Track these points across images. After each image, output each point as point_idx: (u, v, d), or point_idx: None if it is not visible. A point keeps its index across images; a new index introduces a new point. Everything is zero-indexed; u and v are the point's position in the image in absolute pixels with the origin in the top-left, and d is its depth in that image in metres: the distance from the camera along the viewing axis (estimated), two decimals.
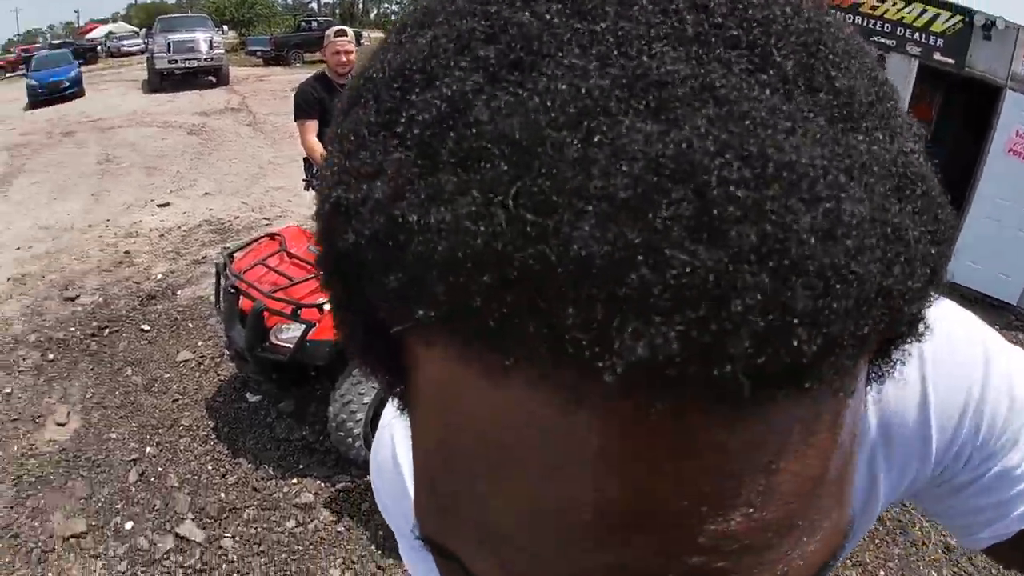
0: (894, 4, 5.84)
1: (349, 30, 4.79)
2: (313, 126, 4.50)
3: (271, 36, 32.23)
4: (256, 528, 3.31)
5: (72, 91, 19.73)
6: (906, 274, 0.21)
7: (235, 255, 3.83)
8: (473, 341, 0.21)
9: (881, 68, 0.26)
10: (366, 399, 3.22)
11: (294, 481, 3.55)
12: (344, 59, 4.52)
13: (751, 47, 0.22)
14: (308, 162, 4.72)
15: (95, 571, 3.17)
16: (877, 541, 3.24)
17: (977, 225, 5.68)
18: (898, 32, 5.88)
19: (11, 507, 3.57)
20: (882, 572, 3.09)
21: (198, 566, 3.13)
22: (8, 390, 4.52)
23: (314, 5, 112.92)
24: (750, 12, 0.22)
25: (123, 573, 3.13)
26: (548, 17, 0.22)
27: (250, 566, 3.12)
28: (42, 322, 5.42)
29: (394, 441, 0.67)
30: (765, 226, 0.18)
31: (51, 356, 4.90)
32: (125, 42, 43.88)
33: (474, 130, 0.20)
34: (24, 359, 4.89)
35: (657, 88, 0.20)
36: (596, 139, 0.19)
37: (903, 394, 0.54)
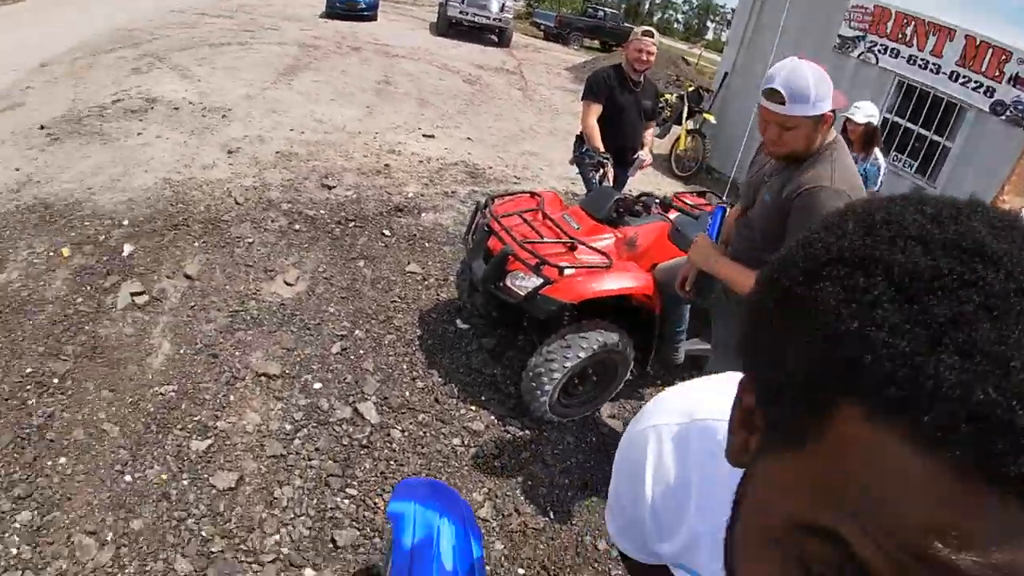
0: None
1: (655, 32, 5.00)
2: (596, 109, 4.81)
3: (558, 14, 32.97)
4: (425, 432, 3.64)
5: (366, 14, 21.14)
6: None
7: (496, 200, 4.18)
8: (923, 434, 0.36)
9: None
10: (568, 363, 3.44)
11: (472, 408, 3.84)
12: (645, 58, 4.76)
13: None
14: (580, 139, 5.02)
15: (272, 409, 3.62)
16: None
17: None
18: None
19: (220, 332, 4.16)
20: None
21: (364, 442, 3.50)
22: (251, 240, 5.21)
23: None
24: None
25: (296, 421, 3.55)
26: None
27: (408, 460, 3.44)
28: (297, 196, 6.12)
29: (671, 450, 0.81)
30: None
31: (297, 227, 5.55)
32: None
33: (975, 333, 0.36)
34: (273, 221, 5.58)
35: None
36: None
37: None
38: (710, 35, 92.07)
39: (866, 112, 4.81)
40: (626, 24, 29.91)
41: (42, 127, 7.12)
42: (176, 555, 2.79)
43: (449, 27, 20.43)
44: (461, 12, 20.05)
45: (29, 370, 3.67)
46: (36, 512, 2.91)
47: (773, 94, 2.25)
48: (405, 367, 4.10)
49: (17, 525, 2.84)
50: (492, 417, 3.81)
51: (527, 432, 3.75)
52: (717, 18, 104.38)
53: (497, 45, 20.23)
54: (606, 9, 32.29)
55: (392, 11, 25.99)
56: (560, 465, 3.59)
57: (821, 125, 2.30)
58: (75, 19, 15.50)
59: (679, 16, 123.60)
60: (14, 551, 2.76)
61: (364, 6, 21.09)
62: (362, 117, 9.31)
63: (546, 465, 3.57)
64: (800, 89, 2.21)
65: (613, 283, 3.45)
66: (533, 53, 20.83)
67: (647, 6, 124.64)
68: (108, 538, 2.83)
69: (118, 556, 2.76)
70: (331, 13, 20.64)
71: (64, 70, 9.93)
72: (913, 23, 7.37)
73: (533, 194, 4.29)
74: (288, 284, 4.76)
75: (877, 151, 4.91)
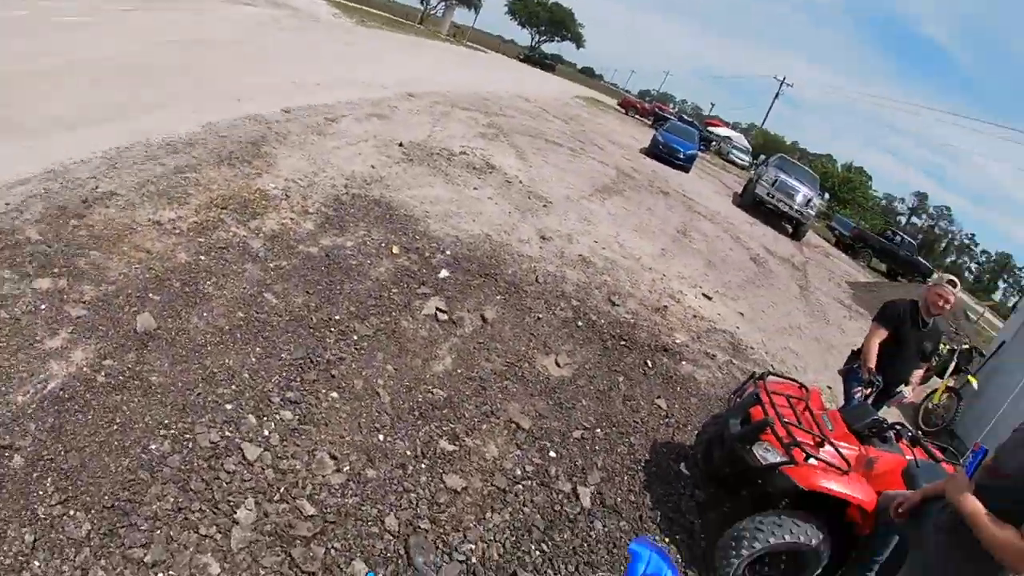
0: None
1: (958, 283, 5.26)
2: (881, 334, 5.16)
3: (856, 225, 32.85)
4: (621, 536, 4.02)
5: (683, 164, 22.94)
6: None
7: (770, 377, 4.64)
8: None
9: None
10: (772, 539, 3.75)
11: (666, 539, 4.18)
12: (942, 303, 5.05)
13: None
14: (856, 355, 5.36)
15: (510, 453, 4.20)
16: None
17: None
18: None
19: (495, 373, 4.85)
20: None
21: (571, 516, 3.94)
22: (540, 316, 6.03)
23: (902, 219, 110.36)
24: None
25: (526, 471, 4.09)
26: None
27: (598, 551, 3.84)
28: (586, 299, 7.01)
29: None
30: None
31: (579, 323, 6.33)
32: (736, 152, 48.44)
33: None
34: (562, 309, 6.38)
35: None
36: None
37: None
38: (999, 295, 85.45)
39: None
40: (918, 256, 28.98)
41: (400, 144, 8.65)
42: (392, 513, 3.47)
43: (752, 203, 21.13)
44: (768, 194, 20.70)
45: (337, 317, 4.72)
46: (296, 417, 3.78)
47: None
48: (626, 478, 4.59)
49: (279, 417, 3.73)
50: (678, 556, 4.12)
51: None
52: (1011, 279, 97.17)
53: (790, 236, 20.49)
54: (904, 236, 31.52)
55: (703, 170, 27.32)
56: None
57: None
58: (442, 68, 18.05)
59: (973, 265, 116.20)
60: (266, 433, 3.60)
61: (683, 156, 22.66)
62: (656, 256, 10.14)
63: None
64: None
65: (844, 487, 3.71)
66: (821, 256, 20.86)
67: (943, 245, 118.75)
68: (345, 468, 3.60)
69: (346, 486, 3.51)
70: (653, 152, 22.41)
71: (425, 108, 11.77)
72: None
73: (803, 386, 4.68)
74: (558, 365, 5.50)
75: None
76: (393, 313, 5.12)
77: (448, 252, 6.33)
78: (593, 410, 5.14)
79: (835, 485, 3.74)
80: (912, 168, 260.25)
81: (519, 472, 4.15)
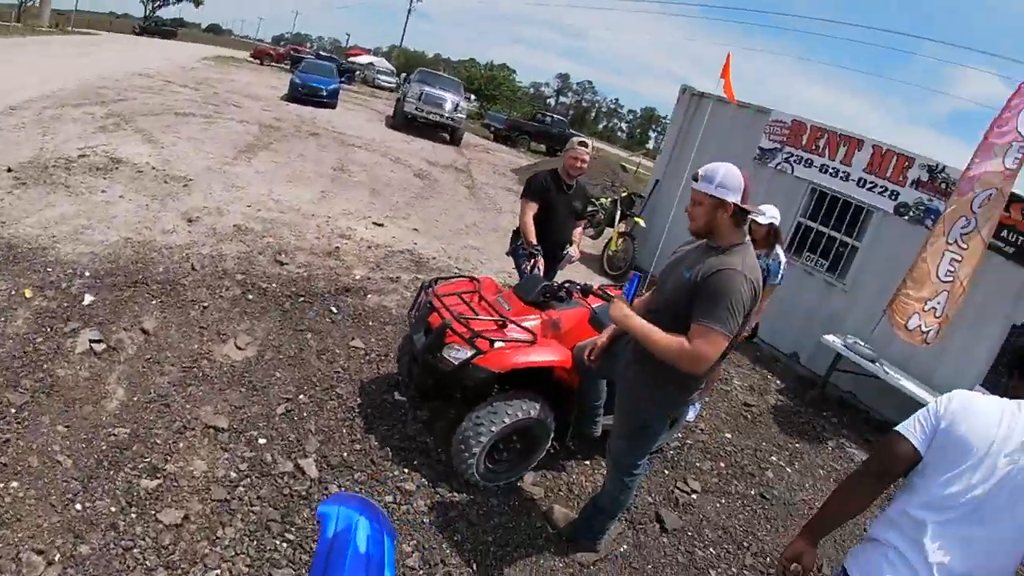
0: None
1: (590, 143, 5.62)
2: (533, 207, 5.38)
3: (508, 117, 34.63)
4: (360, 488, 3.94)
5: (327, 101, 22.27)
6: None
7: (439, 281, 4.67)
8: None
9: None
10: (494, 428, 3.86)
11: (405, 470, 4.17)
12: (579, 165, 5.38)
13: None
14: (517, 234, 5.56)
15: (219, 459, 3.91)
16: None
17: None
18: None
19: (173, 385, 4.48)
20: None
21: (303, 493, 3.80)
22: (206, 304, 5.58)
23: (551, 101, 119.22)
24: None
25: (241, 471, 3.83)
26: None
27: None
28: (251, 268, 6.51)
29: None
30: None
31: (250, 296, 5.92)
32: (382, 76, 48.20)
33: None
34: (227, 289, 5.95)
35: None
36: None
37: None
38: (652, 144, 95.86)
39: (769, 215, 5.39)
40: (571, 131, 31.32)
41: (9, 170, 7.42)
42: None
43: (404, 122, 21.29)
44: (417, 108, 21.00)
45: None
46: None
47: (695, 176, 2.97)
48: (344, 431, 4.43)
49: None
50: (423, 479, 4.14)
51: (455, 495, 4.09)
52: (659, 128, 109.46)
53: (449, 143, 21.09)
54: (554, 116, 33.72)
55: (351, 101, 26.92)
56: (484, 524, 3.93)
57: (721, 210, 2.91)
58: (42, 65, 15.86)
59: (623, 125, 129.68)
60: None
61: (326, 93, 22.00)
62: (316, 200, 9.79)
63: (471, 524, 3.90)
64: (710, 172, 2.93)
65: (536, 356, 3.91)
66: (482, 153, 21.75)
67: (593, 114, 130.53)
68: (55, 558, 3.06)
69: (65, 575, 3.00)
70: (293, 96, 21.50)
71: (32, 117, 10.24)
72: (826, 135, 8.34)
73: (472, 279, 4.80)
74: (239, 348, 5.09)
75: (778, 248, 5.46)
76: (45, 366, 4.33)
77: (87, 274, 5.50)
78: (290, 378, 4.86)
79: (526, 357, 3.89)
80: (553, 54, 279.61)
81: (234, 474, 3.79)
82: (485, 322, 4.08)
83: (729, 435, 5.85)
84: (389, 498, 3.93)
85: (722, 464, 5.34)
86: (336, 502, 2.11)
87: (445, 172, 15.22)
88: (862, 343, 7.00)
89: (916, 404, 6.22)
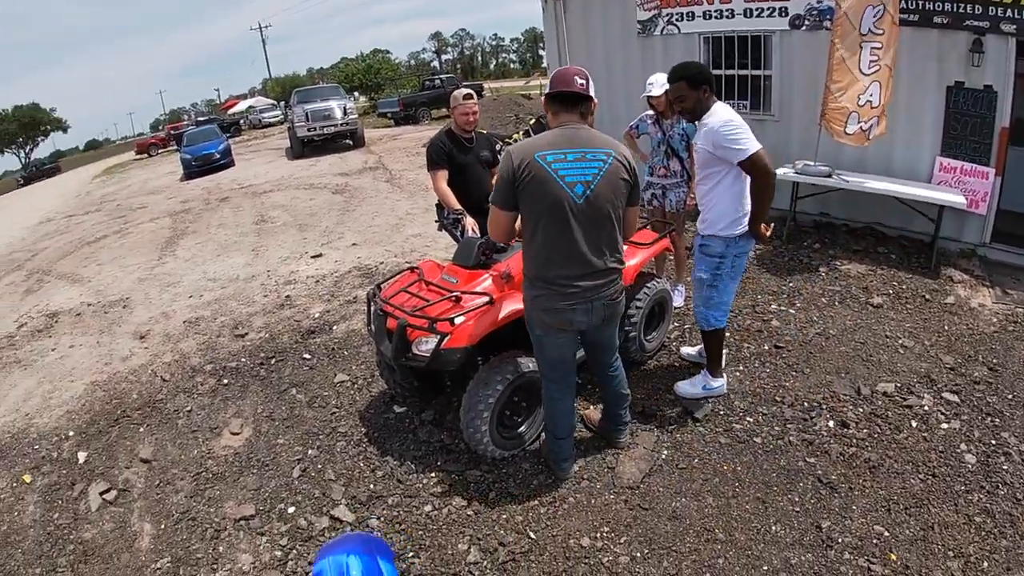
0: None
1: (474, 93, 5.51)
2: (443, 175, 5.27)
3: (399, 98, 34.03)
4: (398, 511, 3.94)
5: (223, 162, 21.79)
6: None
7: (382, 286, 4.62)
8: None
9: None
10: (491, 399, 3.85)
11: (432, 474, 4.18)
12: (471, 118, 5.28)
13: None
14: (440, 207, 5.46)
15: (260, 545, 3.90)
16: (983, 533, 3.23)
17: None
18: (990, 12, 6.08)
19: (190, 496, 4.44)
20: (986, 564, 3.04)
21: None
22: (189, 408, 5.50)
23: (436, 63, 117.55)
24: None
25: (284, 546, 3.82)
26: None
27: (391, 540, 3.72)
28: (216, 355, 6.43)
29: None
30: None
31: (225, 381, 5.86)
32: (265, 114, 47.35)
33: None
34: (202, 384, 5.88)
35: None
36: None
37: None
38: (544, 63, 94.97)
39: (659, 83, 5.35)
40: (465, 83, 30.98)
41: None
42: None
43: (303, 147, 20.96)
44: (309, 129, 20.68)
45: None
46: None
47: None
48: (363, 464, 4.42)
49: None
50: (452, 476, 4.14)
51: (488, 475, 4.10)
52: (544, 44, 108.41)
53: (353, 148, 20.78)
54: (442, 76, 33.22)
55: (245, 151, 26.48)
56: (526, 491, 3.95)
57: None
58: None
59: (513, 56, 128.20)
60: None
61: (218, 155, 21.63)
62: (251, 261, 9.68)
63: (513, 496, 3.92)
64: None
65: (500, 313, 3.87)
66: (390, 142, 21.49)
67: (479, 58, 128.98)
68: None
69: None
70: (190, 173, 21.13)
71: None
72: None
73: (412, 268, 4.72)
74: (234, 434, 5.04)
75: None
76: (71, 536, 4.16)
77: (71, 433, 5.40)
78: (293, 440, 4.83)
79: (492, 319, 3.86)
80: (418, 18, 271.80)
81: (279, 553, 3.77)
82: (439, 305, 4.03)
83: None
84: (428, 508, 3.93)
85: (727, 334, 5.30)
86: (325, 554, 2.09)
87: (361, 177, 15.04)
88: (812, 163, 6.97)
89: (886, 200, 6.25)
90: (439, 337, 3.77)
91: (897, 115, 6.57)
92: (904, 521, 3.36)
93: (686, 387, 4.55)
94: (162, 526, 4.22)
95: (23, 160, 74.36)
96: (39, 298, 9.73)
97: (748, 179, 3.84)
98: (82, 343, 7.49)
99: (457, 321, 3.80)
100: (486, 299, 3.91)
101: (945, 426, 3.95)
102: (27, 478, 4.99)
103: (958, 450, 3.77)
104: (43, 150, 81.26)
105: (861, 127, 6.27)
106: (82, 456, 5.10)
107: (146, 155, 44.25)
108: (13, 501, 4.75)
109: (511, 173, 3.17)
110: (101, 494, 4.62)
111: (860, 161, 7.05)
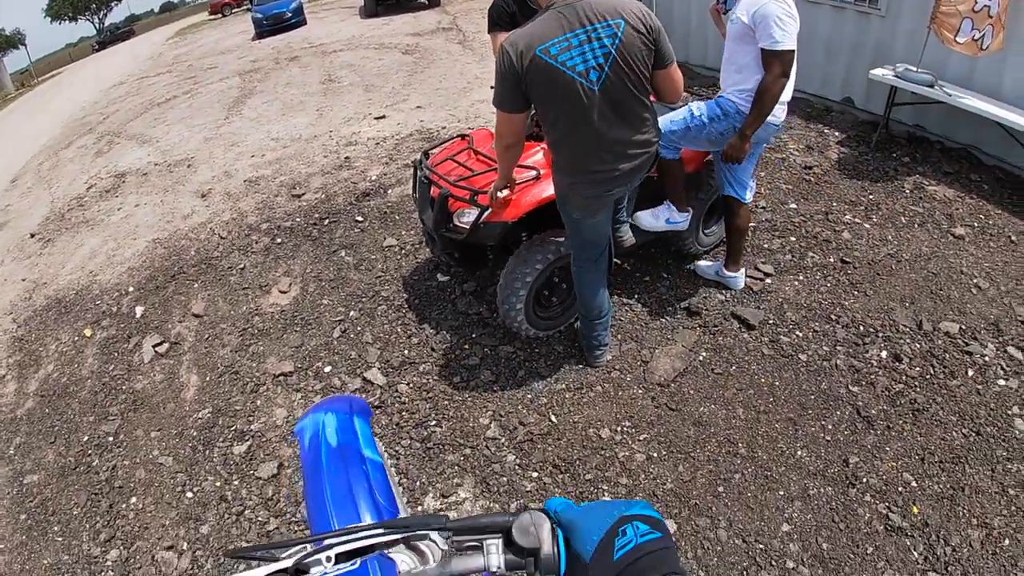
0: None
1: None
2: (504, 37, 4.92)
3: None
4: (427, 379, 3.99)
5: (294, 21, 21.27)
6: None
7: (430, 152, 4.43)
8: None
9: None
10: (529, 278, 3.72)
11: (466, 347, 4.17)
12: None
13: None
14: None
15: (295, 401, 4.03)
16: (1013, 508, 2.93)
17: None
18: None
19: (235, 351, 4.59)
20: (1008, 542, 2.79)
21: (376, 403, 3.87)
22: (242, 266, 5.60)
23: None
24: None
25: (316, 404, 3.89)
26: None
27: (417, 407, 3.80)
28: (272, 214, 6.48)
29: None
30: None
31: (279, 240, 5.92)
32: None
33: None
34: (256, 242, 5.95)
35: None
36: None
37: None
38: None
39: None
40: None
41: (32, 235, 7.54)
42: (241, 544, 3.19)
43: (376, 5, 20.23)
44: None
45: (86, 438, 4.13)
46: (122, 547, 3.37)
47: None
48: (400, 330, 4.45)
49: (109, 563, 3.29)
50: (485, 349, 4.13)
51: (519, 353, 4.06)
52: None
53: (428, 7, 19.89)
54: None
55: (319, 9, 25.94)
56: (554, 374, 3.90)
57: None
58: (25, 126, 16.00)
59: None
60: None
61: (290, 14, 21.14)
62: (314, 121, 9.57)
63: (541, 377, 3.89)
64: None
65: (544, 191, 3.64)
66: (466, 3, 20.58)
67: None
68: (184, 547, 3.27)
69: (195, 559, 3.20)
70: (261, 32, 20.82)
71: (33, 178, 10.35)
72: None
73: (463, 136, 4.50)
74: (283, 292, 5.13)
75: None
76: (124, 386, 4.49)
77: (131, 289, 5.59)
78: (337, 300, 4.89)
79: (535, 196, 3.65)
80: None
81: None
82: (483, 176, 3.83)
83: (794, 204, 5.39)
84: (456, 379, 3.97)
85: (792, 238, 4.95)
86: (306, 415, 2.08)
87: (433, 38, 14.54)
88: (915, 69, 6.18)
89: (989, 122, 5.58)
90: (479, 210, 3.61)
91: (1018, 30, 5.70)
92: (935, 475, 3.10)
93: (647, 217, 4.08)
94: (207, 378, 4.38)
95: (96, 26, 74.58)
96: (108, 159, 9.93)
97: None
98: (147, 202, 7.64)
99: (501, 193, 3.63)
100: (533, 173, 3.70)
101: (1002, 383, 3.54)
102: (88, 332, 5.21)
103: (1009, 412, 3.38)
104: (118, 14, 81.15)
105: (974, 36, 5.49)
106: (139, 311, 5.28)
107: (220, 15, 43.96)
108: (74, 354, 4.98)
109: (514, 73, 2.78)
110: (154, 347, 4.80)
111: (968, 75, 6.14)
